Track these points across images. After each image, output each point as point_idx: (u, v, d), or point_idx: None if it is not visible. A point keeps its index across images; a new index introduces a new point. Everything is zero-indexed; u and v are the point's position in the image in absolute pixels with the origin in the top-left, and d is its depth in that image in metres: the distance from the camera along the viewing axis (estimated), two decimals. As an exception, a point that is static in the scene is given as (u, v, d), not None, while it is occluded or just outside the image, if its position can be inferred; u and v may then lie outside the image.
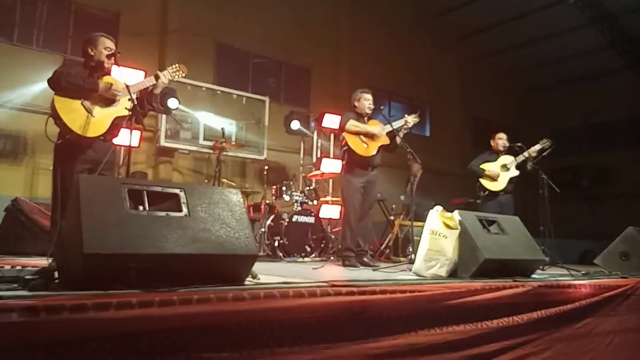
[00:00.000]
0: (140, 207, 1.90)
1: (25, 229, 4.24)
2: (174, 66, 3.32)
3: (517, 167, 5.21)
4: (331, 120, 6.55)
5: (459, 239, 2.90)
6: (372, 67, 10.95)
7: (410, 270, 3.28)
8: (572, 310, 2.74)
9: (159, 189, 2.01)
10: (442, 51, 12.70)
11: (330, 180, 7.00)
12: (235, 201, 2.13)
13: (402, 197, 6.58)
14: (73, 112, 2.88)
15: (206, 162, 8.68)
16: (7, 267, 2.10)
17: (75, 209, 1.78)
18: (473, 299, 2.37)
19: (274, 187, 6.11)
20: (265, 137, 8.42)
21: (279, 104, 9.63)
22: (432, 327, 2.24)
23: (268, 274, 2.61)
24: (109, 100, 2.99)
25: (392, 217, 6.69)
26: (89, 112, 2.92)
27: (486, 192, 5.19)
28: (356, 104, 4.38)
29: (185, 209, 1.96)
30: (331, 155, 7.25)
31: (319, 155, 7.54)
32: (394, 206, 6.72)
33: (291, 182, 6.12)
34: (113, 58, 3.03)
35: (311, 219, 5.63)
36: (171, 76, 3.28)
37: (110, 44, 3.08)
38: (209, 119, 7.76)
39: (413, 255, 3.89)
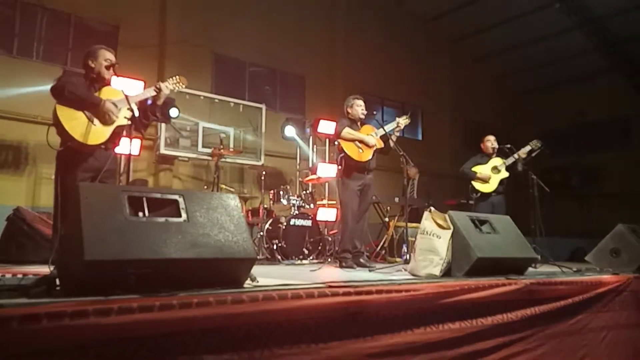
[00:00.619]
0: (140, 214, 1.92)
1: (27, 237, 4.26)
2: (174, 78, 3.36)
3: (507, 168, 5.33)
4: (326, 126, 6.61)
5: (452, 239, 2.94)
6: (365, 73, 11.05)
7: (405, 270, 3.32)
8: (565, 306, 2.78)
9: (158, 195, 2.03)
10: (433, 56, 12.83)
11: (326, 184, 7.06)
12: (233, 206, 2.16)
13: (396, 200, 6.64)
14: (74, 119, 2.90)
15: (205, 168, 8.73)
16: (9, 275, 2.13)
17: (75, 216, 1.80)
18: (467, 297, 2.42)
19: (272, 191, 6.17)
20: (262, 144, 8.50)
21: (275, 111, 9.71)
22: (428, 326, 2.28)
23: (266, 276, 2.64)
24: (105, 119, 3.00)
25: (387, 219, 6.74)
26: (90, 120, 2.95)
27: (478, 194, 5.33)
28: (349, 110, 4.47)
29: (184, 215, 1.99)
30: (326, 160, 7.31)
31: (314, 160, 7.60)
32: (389, 208, 6.77)
33: (288, 187, 6.18)
34: (112, 69, 3.08)
35: (308, 222, 5.68)
36: (172, 87, 3.32)
37: (110, 55, 3.11)
38: (207, 127, 7.83)
39: (408, 256, 3.94)
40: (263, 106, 8.67)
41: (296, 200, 5.93)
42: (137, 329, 1.54)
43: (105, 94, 3.08)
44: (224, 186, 6.53)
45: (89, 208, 1.80)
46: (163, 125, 7.56)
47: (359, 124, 4.46)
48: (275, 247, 5.35)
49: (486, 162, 5.43)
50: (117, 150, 3.22)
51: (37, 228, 4.30)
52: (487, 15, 11.58)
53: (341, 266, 4.20)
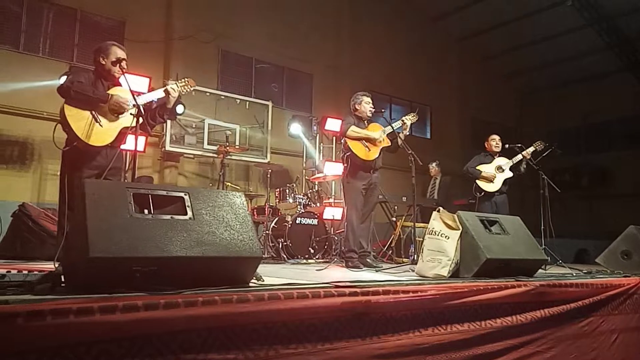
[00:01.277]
0: (145, 211, 1.92)
1: (32, 233, 4.28)
2: (183, 80, 3.34)
3: (511, 168, 5.34)
4: (333, 124, 6.59)
5: (461, 240, 2.91)
6: (372, 71, 11.01)
7: (413, 271, 3.30)
8: (575, 309, 2.74)
9: (163, 192, 2.02)
10: (441, 54, 12.76)
11: (333, 183, 7.03)
12: (239, 204, 2.14)
13: (404, 199, 6.60)
14: (81, 120, 2.91)
15: (211, 166, 8.74)
16: (14, 271, 2.12)
17: (81, 213, 1.79)
18: (476, 299, 2.38)
19: (277, 190, 6.14)
20: (268, 141, 8.48)
21: (282, 109, 9.70)
22: (436, 327, 2.25)
23: (272, 275, 2.63)
24: (115, 114, 3.01)
25: (394, 219, 6.70)
26: (97, 121, 2.94)
27: (482, 193, 5.32)
28: (357, 107, 4.40)
29: (189, 212, 1.98)
30: (333, 158, 7.28)
31: (321, 158, 7.58)
32: (396, 207, 6.73)
33: (294, 185, 6.15)
34: (119, 65, 3.06)
35: (314, 221, 5.65)
36: (181, 90, 3.30)
37: (121, 53, 3.09)
38: (213, 124, 7.82)
39: (415, 256, 3.91)
40: (269, 103, 8.65)
41: (302, 199, 5.91)
42: (142, 326, 1.53)
43: (113, 93, 3.06)
44: (229, 184, 6.52)
45: (95, 205, 1.79)
46: (169, 122, 7.56)
47: (365, 122, 4.40)
48: (280, 246, 5.33)
49: (490, 162, 5.44)
50: (123, 147, 3.21)
51: (42, 224, 4.31)
52: (496, 13, 11.50)
53: (347, 266, 4.16)
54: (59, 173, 3.04)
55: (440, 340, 2.23)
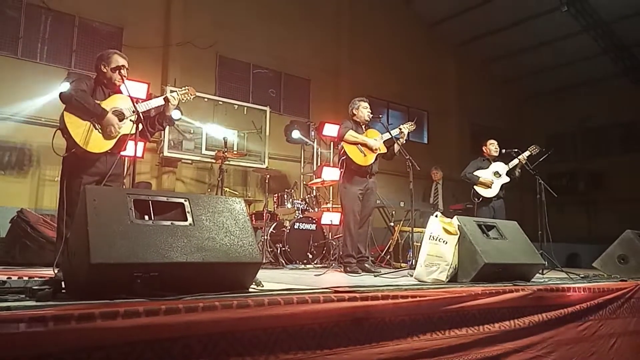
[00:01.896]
0: (146, 217, 1.92)
1: (31, 239, 4.27)
2: (183, 88, 3.36)
3: (508, 173, 5.38)
4: (331, 129, 6.62)
5: (459, 244, 2.93)
6: (370, 76, 11.06)
7: (411, 275, 3.30)
8: (573, 313, 2.76)
9: (164, 198, 2.03)
10: (439, 59, 12.84)
11: (331, 188, 7.04)
12: (239, 210, 2.15)
13: (401, 204, 6.62)
14: (80, 127, 2.91)
15: (209, 171, 8.73)
16: (14, 277, 2.12)
17: (81, 219, 1.80)
18: (474, 304, 2.40)
19: (276, 195, 6.16)
20: (266, 146, 8.49)
21: (279, 114, 9.72)
22: (434, 332, 2.26)
23: (271, 281, 2.64)
24: (106, 132, 3.00)
25: (392, 224, 6.72)
26: (96, 128, 2.95)
27: (480, 199, 5.36)
28: (355, 112, 4.42)
29: (190, 218, 1.99)
30: (331, 164, 7.30)
31: (319, 164, 7.60)
32: (394, 212, 6.75)
33: (292, 190, 6.16)
34: (118, 72, 3.07)
35: (312, 226, 5.67)
36: (181, 98, 3.31)
37: (123, 61, 3.10)
38: (211, 129, 7.83)
39: (414, 261, 3.92)
40: (267, 109, 8.67)
41: (300, 204, 5.92)
42: (143, 332, 1.54)
43: (113, 100, 3.08)
44: (228, 189, 6.53)
45: (95, 211, 1.80)
46: (167, 127, 7.57)
47: (363, 127, 4.43)
48: (279, 251, 5.33)
49: (487, 167, 5.48)
50: (123, 153, 3.21)
51: (40, 230, 4.31)
52: (494, 18, 11.58)
53: (346, 271, 4.17)
54: (58, 179, 3.04)
55: (438, 345, 2.24)
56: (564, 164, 13.07)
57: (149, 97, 5.10)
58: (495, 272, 2.89)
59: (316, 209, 6.08)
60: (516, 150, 5.37)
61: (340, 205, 4.87)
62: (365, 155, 4.26)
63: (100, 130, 2.96)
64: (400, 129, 4.40)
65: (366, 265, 4.24)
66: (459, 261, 2.93)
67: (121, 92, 3.12)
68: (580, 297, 2.83)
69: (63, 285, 1.89)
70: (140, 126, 2.95)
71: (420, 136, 12.79)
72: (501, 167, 5.39)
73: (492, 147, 5.53)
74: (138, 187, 5.99)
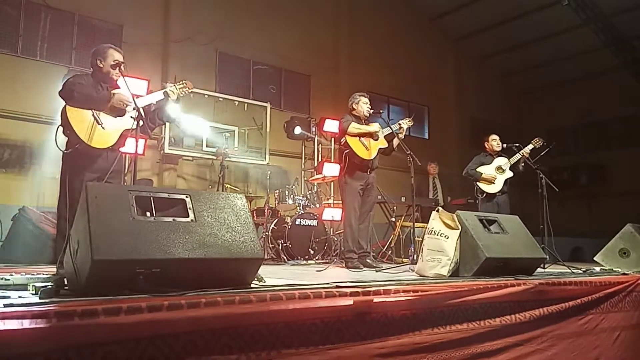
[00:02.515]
0: (148, 213, 1.93)
1: (33, 237, 4.29)
2: (181, 82, 3.36)
3: (511, 168, 5.36)
4: (332, 125, 6.62)
5: (460, 239, 2.92)
6: (370, 71, 11.04)
7: (412, 270, 3.31)
8: (575, 306, 2.76)
9: (165, 195, 2.03)
10: (439, 54, 12.81)
11: (332, 184, 7.05)
12: (240, 206, 2.16)
13: (402, 199, 6.62)
14: (83, 122, 2.92)
15: (210, 168, 8.75)
16: (17, 275, 2.13)
17: (83, 216, 1.80)
18: (475, 298, 2.39)
19: (277, 191, 6.16)
20: (266, 143, 8.49)
21: (280, 110, 9.72)
22: (436, 326, 2.26)
23: (273, 277, 2.64)
24: (118, 111, 3.03)
25: (393, 219, 6.72)
26: (100, 123, 2.96)
27: (484, 195, 5.34)
28: (355, 107, 4.42)
29: (191, 215, 1.99)
30: (332, 159, 7.30)
31: (320, 160, 7.60)
32: (395, 208, 6.76)
33: (293, 186, 6.17)
34: (118, 68, 3.07)
35: (314, 222, 5.67)
36: (179, 92, 3.32)
37: (118, 56, 3.11)
38: (211, 126, 7.83)
39: (415, 256, 3.93)
40: (268, 105, 8.67)
41: (301, 200, 5.93)
42: (146, 328, 1.54)
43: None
44: (229, 185, 6.53)
45: (97, 208, 1.80)
46: (167, 124, 7.57)
47: (363, 122, 4.42)
48: (280, 247, 5.34)
49: (490, 162, 5.45)
50: (123, 150, 3.22)
51: (42, 228, 4.32)
52: (494, 12, 11.56)
53: (347, 266, 4.18)
54: (59, 176, 3.05)
55: (440, 339, 2.25)
56: (565, 158, 13.07)
57: (149, 93, 5.10)
58: (497, 266, 2.89)
59: (317, 205, 6.09)
60: (517, 144, 5.35)
61: (341, 201, 4.87)
62: (368, 149, 4.26)
63: (102, 125, 2.96)
64: (399, 124, 4.40)
65: (368, 260, 4.24)
66: (460, 256, 2.92)
67: (119, 87, 3.12)
68: (582, 290, 2.82)
69: (65, 282, 1.90)
70: (141, 122, 2.95)
71: (421, 131, 12.79)
72: (504, 162, 5.37)
73: (494, 142, 5.49)
74: (139, 184, 6.00)
